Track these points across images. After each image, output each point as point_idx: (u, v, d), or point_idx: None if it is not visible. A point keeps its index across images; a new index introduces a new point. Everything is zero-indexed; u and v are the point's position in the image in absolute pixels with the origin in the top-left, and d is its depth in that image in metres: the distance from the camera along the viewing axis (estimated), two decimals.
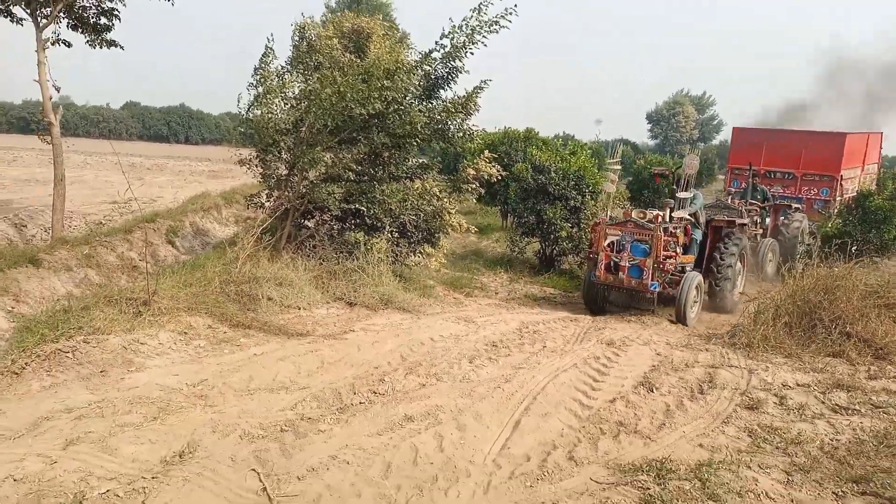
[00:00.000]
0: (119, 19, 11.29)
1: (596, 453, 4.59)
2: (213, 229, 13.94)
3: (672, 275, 9.97)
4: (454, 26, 9.14)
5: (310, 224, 10.34)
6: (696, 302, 10.01)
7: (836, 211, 15.29)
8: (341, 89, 8.47)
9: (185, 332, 6.29)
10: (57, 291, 8.25)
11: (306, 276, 8.38)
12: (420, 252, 10.21)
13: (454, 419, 4.88)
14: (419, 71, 9.23)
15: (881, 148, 19.18)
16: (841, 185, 15.98)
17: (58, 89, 10.60)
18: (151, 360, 5.62)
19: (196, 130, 68.90)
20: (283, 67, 10.03)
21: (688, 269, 10.41)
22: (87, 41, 11.04)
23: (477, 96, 9.54)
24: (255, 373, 5.57)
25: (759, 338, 7.49)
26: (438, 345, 6.84)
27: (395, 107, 8.97)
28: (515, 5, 8.93)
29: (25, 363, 5.25)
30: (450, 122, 9.60)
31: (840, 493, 4.28)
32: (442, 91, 9.90)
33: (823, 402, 5.92)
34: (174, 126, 68.28)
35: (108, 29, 11.27)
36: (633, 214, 10.11)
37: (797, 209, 13.96)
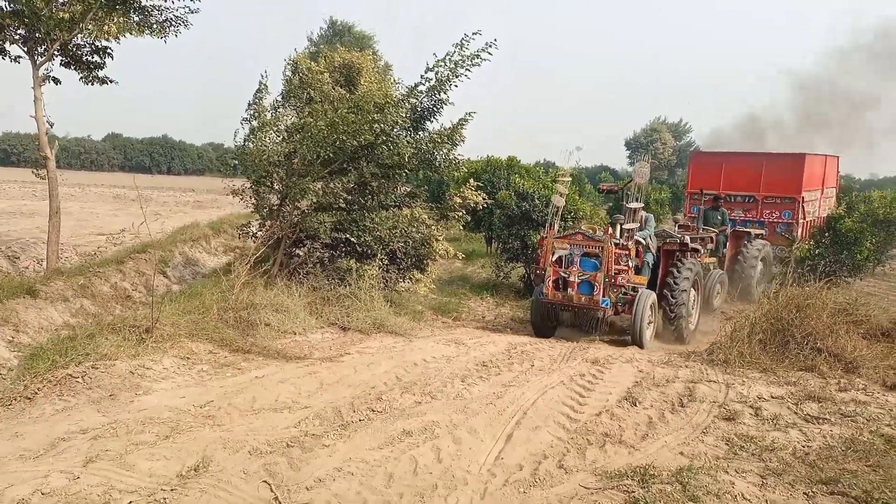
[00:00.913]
0: (112, 57, 11.64)
1: (584, 462, 4.89)
2: (202, 259, 14.14)
3: (624, 293, 9.52)
4: (438, 61, 9.60)
5: (301, 252, 10.64)
6: (651, 322, 9.65)
7: (798, 234, 15.19)
8: (334, 122, 8.85)
9: (188, 357, 6.54)
10: (55, 321, 8.45)
11: (301, 303, 8.66)
12: (409, 278, 10.53)
13: (450, 433, 5.16)
14: (406, 104, 9.65)
15: (838, 171, 18.77)
16: (803, 207, 15.45)
17: (51, 125, 10.87)
18: (158, 384, 5.87)
19: (179, 161, 69.12)
20: (276, 101, 10.42)
21: (640, 289, 9.90)
22: (81, 78, 11.35)
23: (462, 127, 9.98)
24: (258, 394, 5.82)
25: (735, 354, 7.86)
26: (431, 365, 7.14)
27: (384, 138, 9.37)
28: (495, 39, 9.43)
29: (38, 388, 5.48)
30: (436, 153, 10.01)
31: (810, 494, 4.60)
32: (428, 122, 10.33)
33: (796, 413, 6.27)
34: (156, 157, 68.45)
35: (101, 66, 11.61)
36: (583, 227, 9.87)
37: (759, 235, 13.83)
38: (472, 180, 11.31)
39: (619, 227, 9.70)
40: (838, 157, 18.52)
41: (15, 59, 10.67)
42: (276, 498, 3.97)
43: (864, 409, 6.28)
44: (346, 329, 8.52)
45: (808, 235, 15.55)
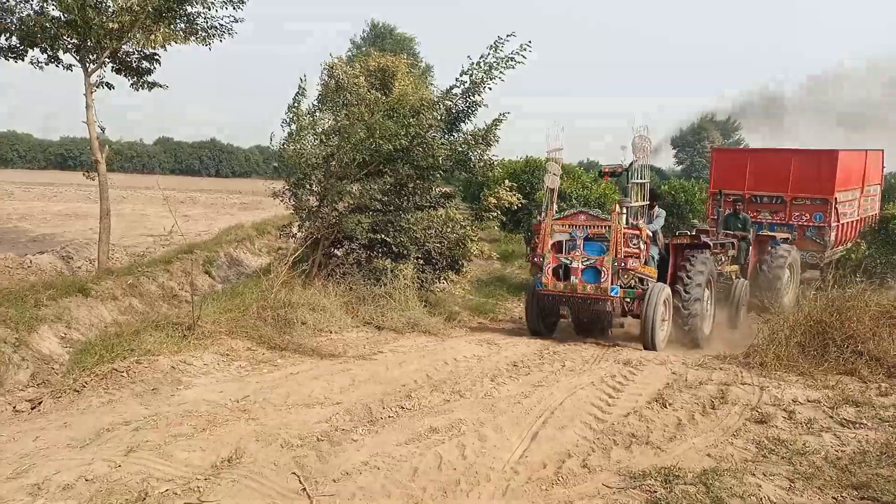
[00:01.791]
0: (159, 63, 12.09)
1: (608, 461, 4.92)
2: (246, 259, 14.55)
3: (633, 288, 8.68)
4: (472, 63, 9.71)
5: (339, 252, 10.86)
6: (664, 321, 8.71)
7: (832, 238, 13.82)
8: (371, 127, 9.04)
9: (228, 354, 6.79)
10: (104, 319, 8.83)
11: (337, 302, 8.87)
12: (445, 278, 10.65)
13: (476, 431, 5.25)
14: (441, 107, 9.79)
15: (883, 167, 16.89)
16: (836, 209, 13.80)
17: (102, 129, 11.36)
18: (198, 379, 6.12)
19: (226, 164, 70.67)
20: (313, 105, 10.67)
21: (652, 283, 9.03)
22: (132, 84, 11.82)
23: (496, 128, 10.07)
24: (292, 390, 6.02)
25: (771, 357, 7.75)
26: (462, 364, 7.25)
27: (419, 140, 9.53)
28: (530, 41, 9.49)
29: (85, 382, 5.78)
30: (471, 154, 10.12)
31: (840, 499, 4.54)
32: (463, 124, 10.45)
33: (832, 417, 6.16)
34: (205, 160, 70.12)
35: (150, 72, 12.07)
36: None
37: (785, 240, 12.73)
38: (506, 181, 11.38)
39: (625, 209, 8.69)
40: (882, 150, 16.53)
41: (68, 68, 11.18)
42: (304, 489, 4.13)
43: None
44: (381, 328, 8.69)
45: (846, 239, 14.50)
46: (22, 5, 10.27)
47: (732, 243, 11.24)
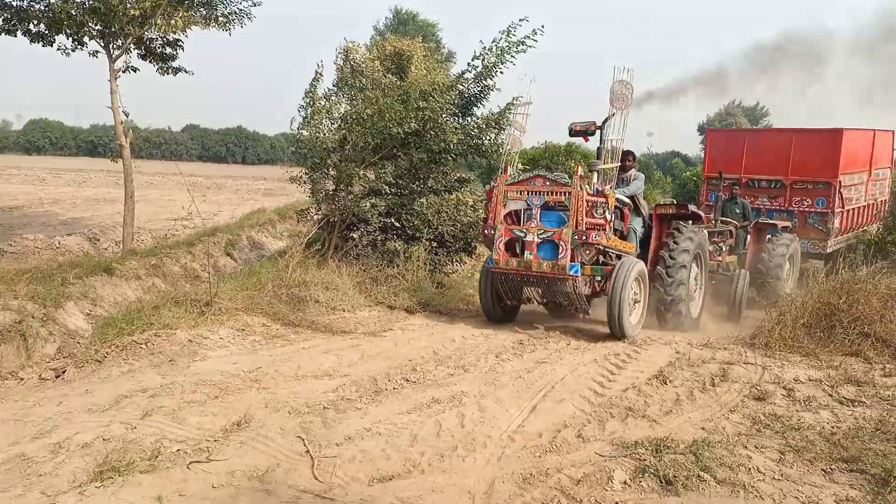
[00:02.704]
0: (182, 49, 12.38)
1: (603, 433, 5.09)
2: (267, 242, 14.87)
3: (602, 263, 7.76)
4: (485, 48, 9.83)
5: (354, 235, 11.11)
6: (636, 301, 7.84)
7: (836, 226, 12.79)
8: (381, 110, 9.23)
9: (243, 329, 7.07)
10: (128, 297, 9.16)
11: (350, 282, 9.10)
12: (457, 260, 10.84)
13: (476, 402, 5.45)
14: (453, 91, 9.93)
15: (894, 150, 15.42)
16: (840, 193, 12.69)
17: (127, 115, 11.70)
18: (213, 352, 6.40)
19: (252, 151, 71.46)
20: (329, 90, 10.88)
21: (624, 257, 8.07)
22: (157, 69, 12.14)
23: (509, 112, 10.18)
24: (303, 363, 6.27)
25: (776, 338, 7.82)
26: (468, 342, 7.44)
27: (432, 125, 9.69)
28: (542, 26, 9.57)
29: (106, 352, 6.09)
30: (483, 138, 10.25)
31: (828, 470, 4.64)
32: (475, 108, 10.58)
33: (831, 396, 6.23)
34: (231, 147, 70.97)
35: (174, 58, 12.38)
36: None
37: (785, 228, 11.81)
38: (520, 164, 11.46)
39: (595, 175, 7.70)
40: (893, 131, 15.30)
41: (93, 54, 11.52)
42: (308, 451, 4.36)
43: None
44: (393, 308, 8.91)
45: (853, 227, 13.51)
46: None
47: (731, 231, 10.59)
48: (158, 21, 10.48)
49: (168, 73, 12.44)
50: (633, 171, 8.74)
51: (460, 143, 10.08)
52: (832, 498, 4.23)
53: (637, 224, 8.44)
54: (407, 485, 4.01)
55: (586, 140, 8.56)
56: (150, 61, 12.26)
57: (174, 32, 11.19)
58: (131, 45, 11.32)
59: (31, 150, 65.85)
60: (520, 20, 9.74)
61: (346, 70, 11.03)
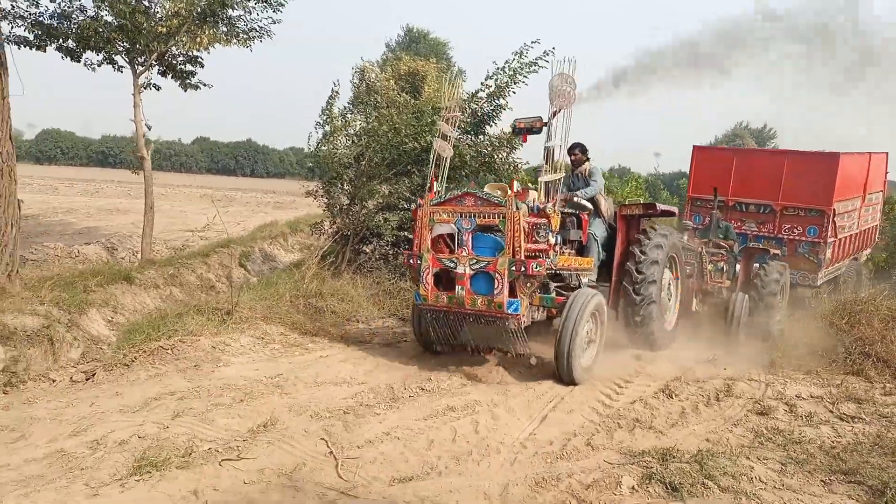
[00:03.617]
0: (202, 65, 12.73)
1: (611, 441, 5.31)
2: (279, 255, 15.16)
3: (557, 286, 6.79)
4: (497, 68, 10.15)
5: (367, 248, 11.38)
6: (591, 341, 6.64)
7: (827, 256, 11.92)
8: (396, 126, 9.54)
9: (262, 337, 7.33)
10: (147, 305, 9.42)
11: (364, 294, 9.37)
12: None
13: (489, 411, 5.68)
14: (466, 109, 10.24)
15: (887, 172, 14.47)
16: (834, 222, 11.81)
17: (149, 128, 12.02)
18: (235, 358, 6.65)
19: (261, 164, 72.02)
20: (345, 107, 11.22)
21: (584, 280, 7.11)
22: (179, 84, 12.48)
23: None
24: (321, 370, 6.51)
25: (779, 356, 8.05)
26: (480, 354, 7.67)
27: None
28: (553, 48, 9.89)
29: (134, 357, 6.34)
30: (496, 156, 10.54)
31: (828, 481, 4.85)
32: (488, 127, 10.88)
33: (832, 412, 6.46)
34: (241, 160, 71.58)
35: (193, 74, 12.72)
36: (488, 189, 6.66)
37: (775, 255, 10.91)
38: (530, 183, 11.76)
39: (535, 190, 6.68)
40: (886, 153, 14.36)
41: (118, 69, 11.88)
42: (331, 452, 4.60)
43: None
44: (405, 320, 9.14)
45: (843, 256, 12.70)
46: (79, 11, 10.97)
47: (723, 254, 10.01)
48: (184, 39, 10.82)
49: (188, 89, 12.78)
50: (587, 166, 7.77)
51: (473, 160, 10.36)
52: None
53: (598, 228, 7.50)
54: (425, 485, 4.23)
55: (525, 140, 7.38)
56: (172, 77, 12.60)
57: (198, 50, 11.52)
58: (154, 61, 11.65)
59: (42, 159, 66.62)
60: (532, 42, 10.08)
61: (362, 88, 11.37)
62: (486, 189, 6.60)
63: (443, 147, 7.02)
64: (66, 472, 4.09)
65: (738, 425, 5.96)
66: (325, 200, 11.03)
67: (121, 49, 11.21)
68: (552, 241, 6.29)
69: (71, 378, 6.14)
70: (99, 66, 11.72)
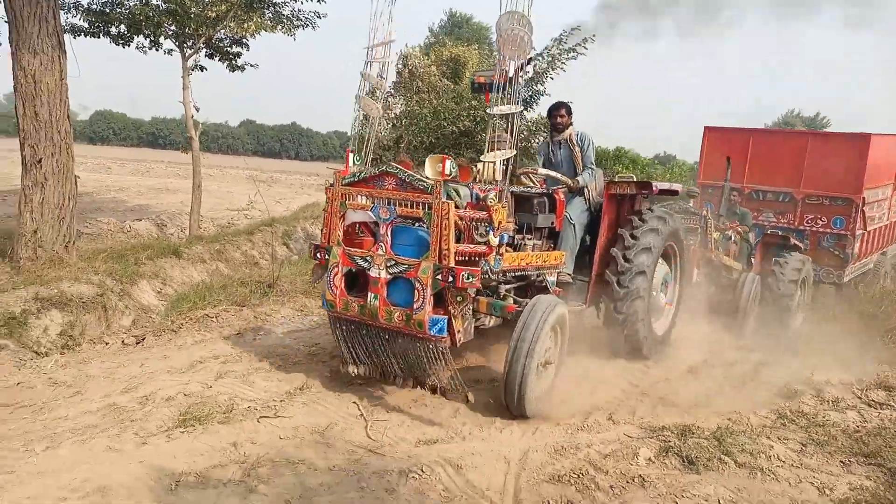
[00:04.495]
0: (248, 48, 13.12)
1: (633, 417, 5.45)
2: (320, 235, 15.52)
3: (511, 298, 5.18)
4: (536, 55, 10.25)
5: None
6: (548, 363, 5.12)
7: (855, 251, 10.70)
8: (436, 109, 9.74)
9: (301, 310, 7.67)
10: (194, 279, 9.84)
11: None
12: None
13: None
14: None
15: None
16: (863, 211, 10.58)
17: (197, 109, 12.47)
18: (276, 328, 6.99)
19: (306, 147, 73.00)
20: (387, 91, 11.45)
21: (553, 279, 5.74)
22: (227, 66, 12.91)
23: None
24: None
25: (810, 342, 8.05)
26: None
27: (483, 125, 10.15)
28: (594, 35, 9.94)
29: (181, 324, 6.72)
30: (532, 140, 10.66)
31: (847, 462, 4.92)
32: (525, 112, 10.98)
33: (860, 398, 6.47)
34: (286, 143, 72.67)
35: (239, 55, 13.12)
36: (428, 163, 4.96)
37: (795, 245, 9.83)
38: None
39: (491, 159, 4.94)
40: None
41: (168, 52, 12.35)
42: (362, 414, 4.87)
43: None
44: None
45: (872, 251, 11.53)
46: None
47: (738, 242, 9.30)
48: (231, 24, 11.18)
49: (236, 70, 13.20)
50: (570, 131, 6.35)
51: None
52: (846, 486, 4.50)
53: (577, 210, 6.15)
54: (449, 447, 4.46)
55: (487, 101, 5.25)
56: (219, 59, 13.03)
57: (244, 35, 11.88)
58: (202, 44, 12.08)
59: (95, 140, 68.77)
60: (571, 29, 10.12)
61: (405, 74, 11.57)
62: (427, 163, 4.99)
63: (368, 105, 5.50)
64: (118, 423, 4.44)
65: (763, 407, 6.02)
66: None
67: (170, 33, 11.64)
68: (494, 241, 4.67)
69: (122, 342, 6.55)
70: (149, 49, 12.21)
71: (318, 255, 5.23)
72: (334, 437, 4.43)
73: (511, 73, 4.93)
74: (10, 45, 7.16)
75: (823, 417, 5.77)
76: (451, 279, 4.42)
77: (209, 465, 3.91)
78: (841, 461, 4.92)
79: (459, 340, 4.74)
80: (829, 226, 10.67)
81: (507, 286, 5.35)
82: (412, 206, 4.58)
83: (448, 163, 4.46)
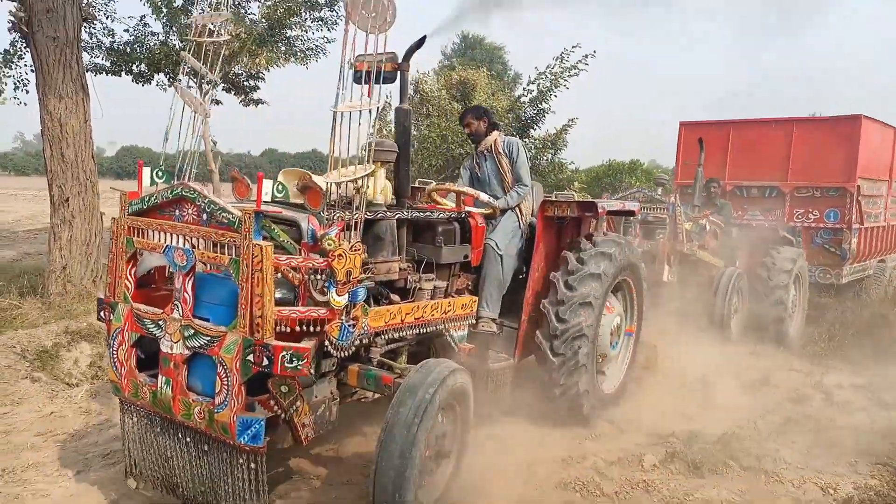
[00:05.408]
0: (264, 81, 13.59)
1: (640, 426, 5.56)
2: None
3: (386, 368, 3.75)
4: (539, 74, 10.49)
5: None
6: (441, 455, 3.64)
7: (853, 248, 9.59)
8: (444, 133, 10.00)
9: None
10: None
11: None
12: None
13: None
14: (510, 115, 10.61)
15: None
16: (858, 202, 9.53)
17: (214, 143, 12.94)
18: None
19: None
20: (214, 82, 11.76)
21: (459, 334, 4.40)
22: (240, 101, 13.37)
23: (565, 133, 10.78)
24: None
25: (824, 347, 8.05)
26: None
27: None
28: (594, 52, 10.16)
29: None
30: (541, 158, 10.86)
31: (853, 462, 4.97)
32: (532, 130, 11.21)
33: (870, 400, 6.51)
34: (306, 169, 73.65)
35: (255, 89, 13.58)
36: (281, 177, 3.95)
37: (785, 238, 9.02)
38: (575, 182, 12.00)
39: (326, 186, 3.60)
40: None
41: (187, 87, 12.81)
42: None
43: None
44: None
45: (871, 253, 10.46)
46: (149, 37, 11.94)
47: (716, 231, 8.53)
48: (244, 59, 11.61)
49: (250, 105, 13.66)
50: (493, 139, 5.20)
51: None
52: (851, 485, 4.57)
53: (503, 237, 4.89)
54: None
55: (370, 94, 3.58)
56: (235, 94, 13.50)
57: (257, 69, 12.32)
58: (220, 79, 12.53)
59: (122, 175, 70.35)
60: (572, 47, 10.35)
61: (416, 99, 11.87)
62: (279, 176, 3.94)
63: (190, 99, 3.85)
64: None
65: (772, 412, 6.08)
66: None
67: (188, 70, 12.08)
68: (339, 302, 3.14)
69: None
70: (169, 86, 12.70)
71: (101, 313, 3.61)
72: None
73: (383, 52, 3.45)
74: (38, 91, 7.57)
75: (831, 420, 5.82)
76: (265, 362, 2.91)
77: None
78: (847, 462, 4.98)
79: (307, 437, 3.43)
80: (822, 220, 9.70)
81: (392, 346, 3.97)
82: (215, 249, 3.09)
83: (264, 186, 3.17)
